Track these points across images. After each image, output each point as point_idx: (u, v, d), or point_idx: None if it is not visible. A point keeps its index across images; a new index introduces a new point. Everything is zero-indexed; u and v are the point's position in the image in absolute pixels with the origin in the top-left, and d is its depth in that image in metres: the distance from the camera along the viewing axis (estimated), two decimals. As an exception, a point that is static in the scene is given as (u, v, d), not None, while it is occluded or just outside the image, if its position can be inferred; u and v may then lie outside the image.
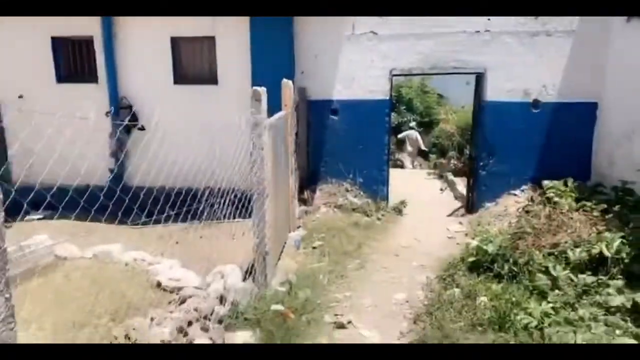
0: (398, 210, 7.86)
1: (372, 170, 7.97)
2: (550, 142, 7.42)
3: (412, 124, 16.09)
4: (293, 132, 6.69)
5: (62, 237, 5.45)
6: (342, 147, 7.95)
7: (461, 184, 10.51)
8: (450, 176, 11.31)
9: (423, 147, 15.40)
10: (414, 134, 15.40)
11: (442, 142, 12.82)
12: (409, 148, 16.69)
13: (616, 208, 4.83)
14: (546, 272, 4.14)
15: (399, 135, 15.55)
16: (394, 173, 13.35)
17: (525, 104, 7.39)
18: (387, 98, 7.73)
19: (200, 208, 4.34)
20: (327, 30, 7.60)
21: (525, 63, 7.25)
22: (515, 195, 7.62)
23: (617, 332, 3.29)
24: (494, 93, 7.44)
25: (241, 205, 4.87)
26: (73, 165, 3.39)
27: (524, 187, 7.65)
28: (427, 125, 21.28)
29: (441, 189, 10.81)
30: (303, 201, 7.56)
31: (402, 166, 17.21)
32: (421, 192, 10.55)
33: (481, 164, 7.70)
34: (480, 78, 7.63)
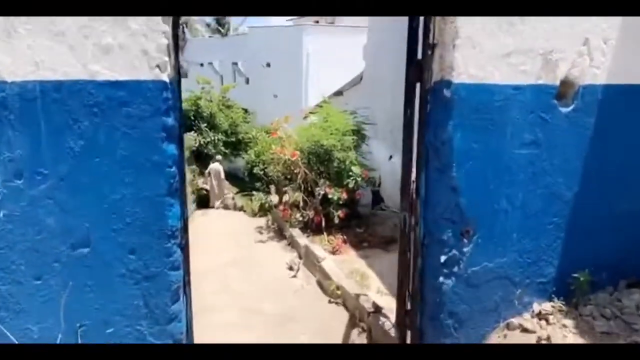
0: None
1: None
2: (594, 187, 2.83)
3: (218, 157, 13.38)
4: None
5: None
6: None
7: (325, 256, 5.49)
8: (301, 238, 6.20)
9: (225, 183, 12.76)
10: (218, 167, 12.46)
11: (272, 173, 7.68)
12: (214, 182, 12.50)
13: None
14: None
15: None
16: (200, 222, 7.90)
17: (544, 92, 2.65)
18: (165, 79, 2.15)
19: None
20: None
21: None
22: (522, 327, 2.81)
23: None
24: (471, 63, 2.50)
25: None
26: None
27: (537, 301, 2.90)
28: (233, 147, 16.25)
29: (291, 269, 5.59)
30: None
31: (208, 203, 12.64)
32: (259, 278, 5.23)
33: (444, 256, 2.67)
34: (425, 24, 2.63)
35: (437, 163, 2.62)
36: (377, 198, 7.88)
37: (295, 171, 6.61)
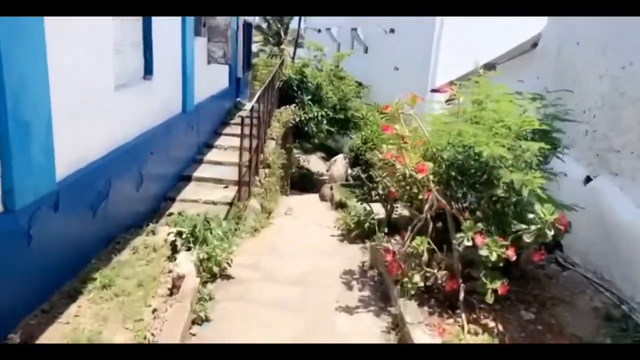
0: None
1: None
2: None
3: (345, 149, 12.71)
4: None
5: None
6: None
7: None
8: (419, 327, 3.28)
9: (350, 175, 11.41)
10: (342, 160, 11.89)
11: (380, 179, 4.86)
12: (335, 173, 11.84)
13: None
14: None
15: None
16: (267, 239, 5.49)
17: None
18: None
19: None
20: None
21: None
22: None
23: None
24: None
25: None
26: None
27: None
28: (341, 125, 13.65)
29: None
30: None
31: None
32: None
33: None
34: None
35: None
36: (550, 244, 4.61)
37: (419, 196, 3.65)
